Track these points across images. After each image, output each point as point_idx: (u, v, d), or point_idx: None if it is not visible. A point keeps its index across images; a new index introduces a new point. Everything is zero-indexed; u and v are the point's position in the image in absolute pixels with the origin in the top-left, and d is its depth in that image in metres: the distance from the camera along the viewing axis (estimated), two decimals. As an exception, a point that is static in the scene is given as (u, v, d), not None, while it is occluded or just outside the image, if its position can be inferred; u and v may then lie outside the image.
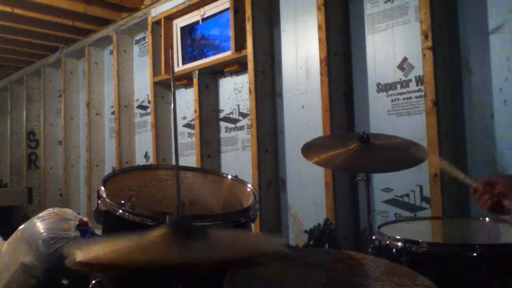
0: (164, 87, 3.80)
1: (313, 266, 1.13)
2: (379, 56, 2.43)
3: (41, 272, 2.31)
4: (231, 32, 3.06)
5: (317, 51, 2.54)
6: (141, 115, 4.16)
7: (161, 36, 3.73)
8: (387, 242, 1.41)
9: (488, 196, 1.23)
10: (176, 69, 3.60)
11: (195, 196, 1.51)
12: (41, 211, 2.76)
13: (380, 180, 2.39)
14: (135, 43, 4.29)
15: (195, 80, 3.33)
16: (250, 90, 2.89)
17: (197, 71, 3.33)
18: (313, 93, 2.66)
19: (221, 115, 3.37)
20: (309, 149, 1.77)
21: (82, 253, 0.80)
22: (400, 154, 1.70)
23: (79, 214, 2.77)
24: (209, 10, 3.42)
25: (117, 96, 4.15)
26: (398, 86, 2.34)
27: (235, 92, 3.26)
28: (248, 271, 1.06)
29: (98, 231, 2.45)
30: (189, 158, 3.51)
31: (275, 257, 0.88)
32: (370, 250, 1.58)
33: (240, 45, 3.01)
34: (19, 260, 2.35)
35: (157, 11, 3.74)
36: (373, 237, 1.53)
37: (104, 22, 4.33)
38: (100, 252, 0.82)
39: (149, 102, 3.90)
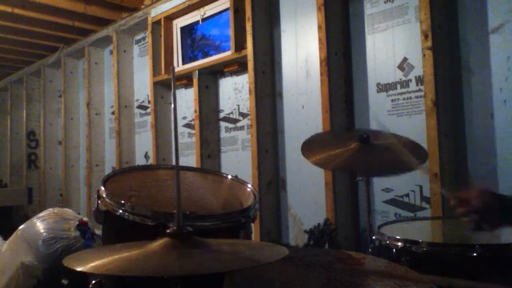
0: (164, 87, 3.80)
1: (313, 266, 1.13)
2: (379, 56, 2.43)
3: (41, 272, 2.31)
4: (231, 32, 3.06)
5: (317, 51, 2.54)
6: (141, 115, 4.16)
7: (161, 36, 3.73)
8: (387, 242, 1.41)
9: (465, 213, 1.15)
10: (176, 69, 3.60)
11: (195, 196, 1.51)
12: (41, 211, 2.76)
13: (380, 180, 2.39)
14: (135, 43, 4.29)
15: (195, 80, 3.33)
16: (250, 90, 2.89)
17: (197, 71, 3.33)
18: (313, 93, 2.66)
19: (221, 115, 3.37)
20: (309, 148, 1.76)
21: (82, 264, 0.81)
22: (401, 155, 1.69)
23: (79, 214, 2.77)
24: (209, 10, 3.42)
25: (117, 96, 4.15)
26: (398, 86, 2.34)
27: (235, 92, 3.26)
28: (248, 271, 1.06)
29: (98, 231, 2.44)
30: (189, 158, 3.51)
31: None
32: (370, 250, 1.58)
33: (240, 45, 3.01)
34: (19, 260, 2.35)
35: (157, 11, 3.74)
36: (373, 237, 1.53)
37: (104, 22, 4.33)
38: (100, 263, 0.82)
39: (149, 102, 3.90)
